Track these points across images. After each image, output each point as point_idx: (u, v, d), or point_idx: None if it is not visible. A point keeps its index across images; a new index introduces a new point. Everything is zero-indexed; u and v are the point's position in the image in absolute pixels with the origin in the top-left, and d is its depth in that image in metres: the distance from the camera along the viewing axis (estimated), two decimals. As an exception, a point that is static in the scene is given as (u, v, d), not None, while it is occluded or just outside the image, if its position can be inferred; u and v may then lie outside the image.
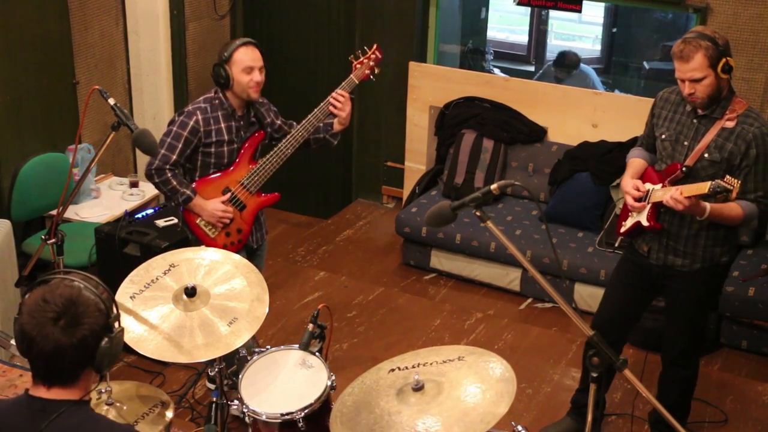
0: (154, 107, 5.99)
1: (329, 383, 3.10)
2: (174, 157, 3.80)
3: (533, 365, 4.68)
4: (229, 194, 3.92)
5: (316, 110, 3.95)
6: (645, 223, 3.58)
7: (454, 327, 5.05)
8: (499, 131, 5.74)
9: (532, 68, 8.12)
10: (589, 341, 2.43)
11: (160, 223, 4.58)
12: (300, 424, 2.98)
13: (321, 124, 4.02)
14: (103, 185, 5.48)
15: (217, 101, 3.86)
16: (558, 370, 4.65)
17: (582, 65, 6.96)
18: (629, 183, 3.64)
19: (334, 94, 3.96)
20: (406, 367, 2.79)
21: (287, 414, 2.99)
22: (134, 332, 2.86)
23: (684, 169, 3.48)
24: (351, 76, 4.04)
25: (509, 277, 5.38)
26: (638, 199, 3.59)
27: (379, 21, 6.15)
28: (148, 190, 5.45)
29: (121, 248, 4.42)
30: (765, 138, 3.39)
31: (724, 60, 3.33)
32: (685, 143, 3.52)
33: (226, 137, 3.86)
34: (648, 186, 3.62)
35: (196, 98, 3.93)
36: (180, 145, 3.80)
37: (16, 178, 4.93)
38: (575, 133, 5.65)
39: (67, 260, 3.51)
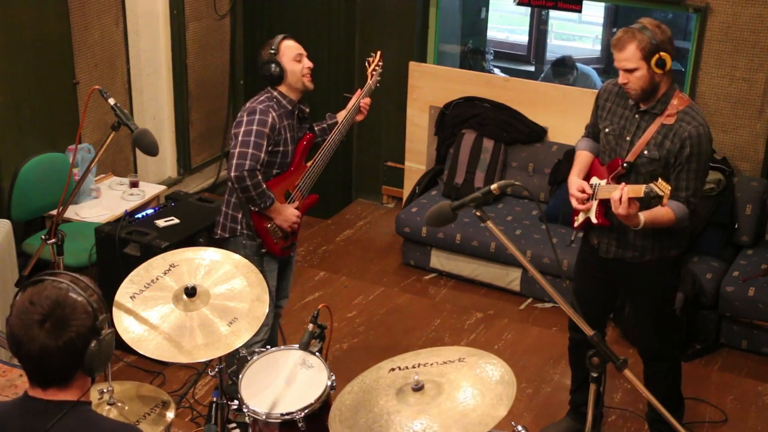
0: (154, 107, 5.99)
1: (329, 383, 3.10)
2: (263, 155, 3.63)
3: (533, 365, 4.68)
4: (294, 201, 3.84)
5: (345, 119, 3.98)
6: (594, 220, 3.57)
7: (454, 327, 5.05)
8: (499, 131, 5.74)
9: (532, 68, 8.12)
10: (589, 341, 2.43)
11: (160, 223, 4.58)
12: (300, 424, 2.98)
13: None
14: (103, 185, 5.48)
15: (275, 100, 3.73)
16: (558, 370, 4.65)
17: (581, 66, 6.96)
18: (575, 184, 3.62)
19: (362, 103, 4.02)
20: (406, 367, 2.79)
21: (287, 414, 2.99)
22: (134, 332, 2.86)
23: (625, 165, 3.47)
24: (369, 83, 4.10)
25: (509, 277, 5.38)
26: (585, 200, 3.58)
27: (379, 21, 6.15)
28: (148, 190, 5.45)
29: (121, 248, 4.42)
30: (701, 138, 3.37)
31: (658, 55, 3.32)
32: (628, 138, 3.51)
33: (289, 136, 3.77)
34: (594, 181, 3.62)
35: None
36: (265, 143, 3.63)
37: (16, 178, 4.93)
38: (575, 133, 5.58)
39: (67, 260, 3.51)
